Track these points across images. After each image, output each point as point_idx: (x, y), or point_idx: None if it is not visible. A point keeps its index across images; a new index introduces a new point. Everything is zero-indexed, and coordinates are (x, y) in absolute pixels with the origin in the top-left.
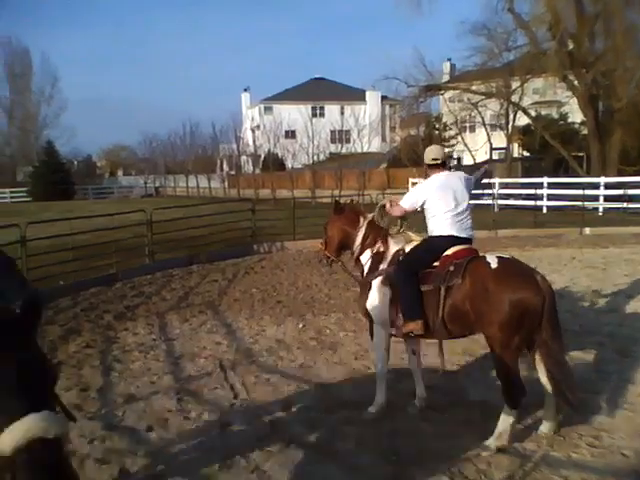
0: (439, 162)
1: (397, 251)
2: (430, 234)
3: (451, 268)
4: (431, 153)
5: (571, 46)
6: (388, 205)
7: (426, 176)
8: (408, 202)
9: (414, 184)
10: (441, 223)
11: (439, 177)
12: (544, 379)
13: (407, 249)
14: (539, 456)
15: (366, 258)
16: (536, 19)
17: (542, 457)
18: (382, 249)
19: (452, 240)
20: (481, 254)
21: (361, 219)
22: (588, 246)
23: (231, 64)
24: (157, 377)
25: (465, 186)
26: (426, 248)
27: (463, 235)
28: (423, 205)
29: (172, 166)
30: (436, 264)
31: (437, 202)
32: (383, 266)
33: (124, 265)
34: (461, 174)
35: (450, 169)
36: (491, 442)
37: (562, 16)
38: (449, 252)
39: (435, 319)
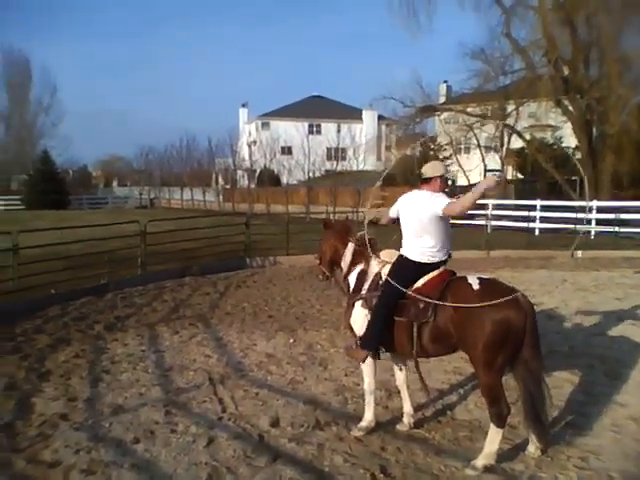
0: (426, 178)
1: (376, 274)
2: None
3: (420, 305)
4: (424, 168)
5: (566, 72)
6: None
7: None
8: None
9: None
10: (407, 245)
11: (407, 196)
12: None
13: (383, 273)
14: (526, 477)
15: (353, 276)
16: (532, 45)
17: (529, 478)
18: (365, 267)
19: (420, 267)
20: (461, 274)
21: (350, 239)
22: (579, 269)
23: (230, 80)
24: (145, 389)
25: (430, 208)
26: (397, 276)
27: (433, 261)
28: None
29: (167, 178)
30: (409, 293)
31: (403, 222)
32: (366, 286)
33: (116, 276)
34: (431, 194)
35: (446, 189)
36: (478, 461)
37: (558, 42)
38: (419, 284)
39: (410, 346)
